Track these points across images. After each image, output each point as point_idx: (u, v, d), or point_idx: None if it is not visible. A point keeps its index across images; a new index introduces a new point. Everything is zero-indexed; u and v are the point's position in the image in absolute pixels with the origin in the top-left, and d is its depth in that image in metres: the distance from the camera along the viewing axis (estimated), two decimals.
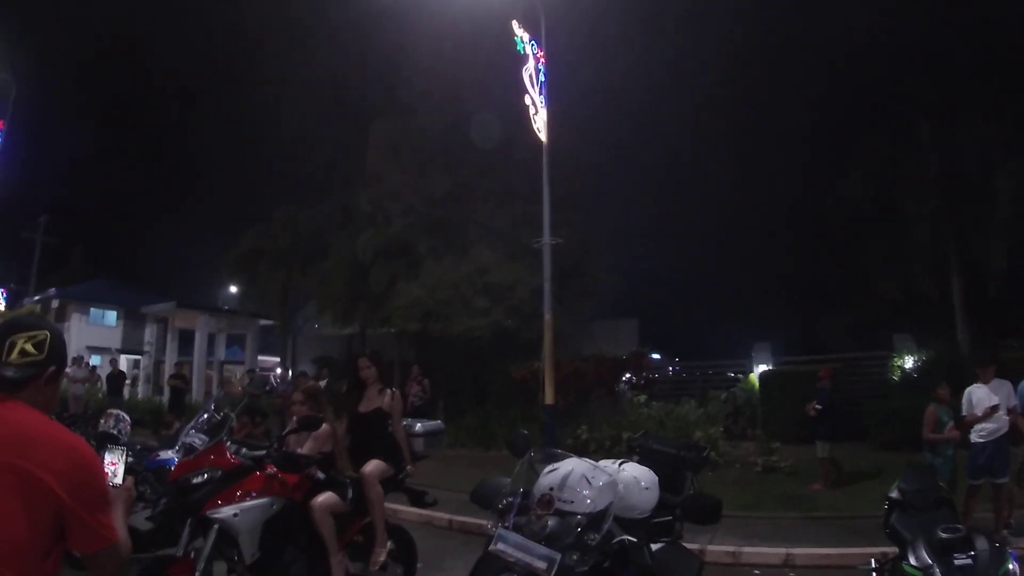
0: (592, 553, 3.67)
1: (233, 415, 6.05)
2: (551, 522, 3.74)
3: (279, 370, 28.24)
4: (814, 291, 25.44)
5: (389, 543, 6.09)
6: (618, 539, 3.85)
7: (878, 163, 20.43)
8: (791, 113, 23.13)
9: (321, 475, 5.69)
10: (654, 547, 4.06)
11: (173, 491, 5.28)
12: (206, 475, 5.22)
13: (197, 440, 5.71)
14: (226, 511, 5.11)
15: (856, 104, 21.28)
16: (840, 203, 21.52)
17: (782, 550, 8.42)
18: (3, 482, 2.03)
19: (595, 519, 3.81)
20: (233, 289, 33.38)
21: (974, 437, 8.53)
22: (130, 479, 6.40)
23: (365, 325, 23.74)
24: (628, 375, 18.86)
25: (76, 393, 19.94)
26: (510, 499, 4.02)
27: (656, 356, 24.42)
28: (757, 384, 19.34)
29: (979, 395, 8.63)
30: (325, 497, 5.58)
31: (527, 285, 18.02)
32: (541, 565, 3.51)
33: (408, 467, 6.41)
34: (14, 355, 2.26)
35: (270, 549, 5.35)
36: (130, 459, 7.37)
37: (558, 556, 3.53)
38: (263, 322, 29.93)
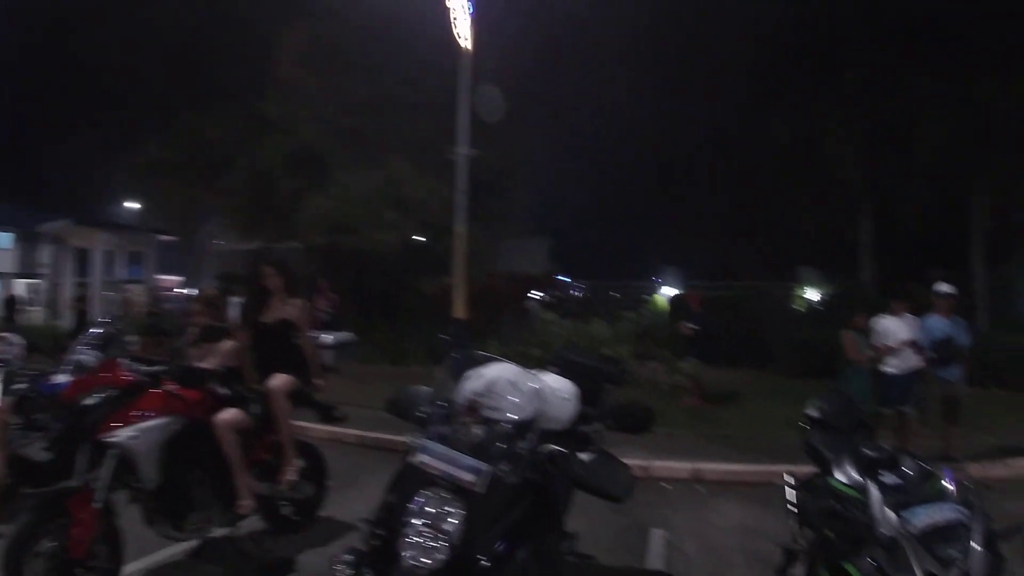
0: (523, 463, 3.35)
1: (127, 329, 5.59)
2: (478, 431, 3.41)
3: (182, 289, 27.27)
4: (729, 220, 25.90)
5: (298, 461, 5.76)
6: (546, 449, 3.54)
7: (805, 104, 20.76)
8: (724, 49, 23.08)
9: (224, 390, 5.32)
10: (584, 457, 3.82)
11: (65, 414, 4.85)
12: (99, 395, 4.79)
13: (89, 357, 5.27)
14: (123, 434, 4.71)
15: (787, 44, 21.30)
16: (764, 139, 22.00)
17: (690, 465, 8.57)
18: None
19: (523, 427, 3.49)
20: (133, 205, 31.77)
21: (888, 369, 8.79)
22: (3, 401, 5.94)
23: (271, 239, 22.86)
24: (539, 293, 18.82)
25: None
26: (431, 408, 3.64)
27: (567, 279, 24.51)
28: (666, 306, 19.61)
29: (888, 326, 8.95)
30: (229, 414, 5.19)
31: (441, 200, 17.54)
32: (469, 477, 3.16)
33: (317, 381, 6.03)
34: None
35: (172, 472, 4.95)
36: (22, 384, 6.90)
37: (487, 467, 3.18)
38: (164, 238, 28.65)
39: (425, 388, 3.94)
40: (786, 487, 5.00)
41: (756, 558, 5.83)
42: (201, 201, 24.30)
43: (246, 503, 5.27)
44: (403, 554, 3.04)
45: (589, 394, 4.42)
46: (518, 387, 3.61)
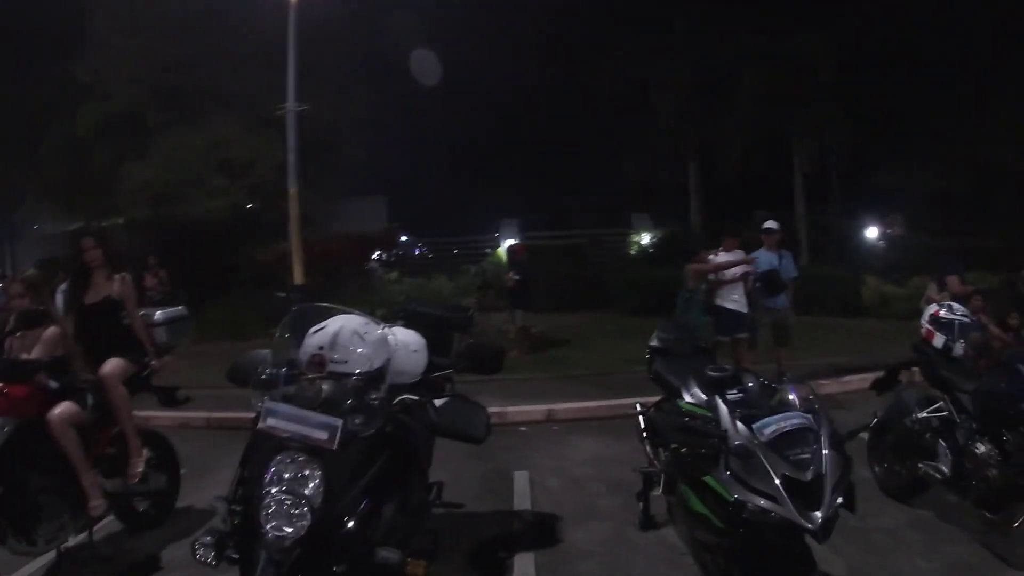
0: (376, 415, 3.29)
1: None
2: (325, 386, 3.30)
3: None
4: (562, 171, 26.48)
5: (145, 451, 5.37)
6: (399, 399, 3.49)
7: (635, 54, 21.32)
8: None
9: (54, 383, 4.86)
10: (437, 403, 3.77)
11: None
12: None
13: None
14: None
15: None
16: (595, 89, 22.44)
17: (544, 407, 8.79)
18: None
19: (373, 378, 3.43)
20: None
21: (723, 302, 9.20)
22: None
23: (90, 217, 21.27)
24: (378, 252, 18.56)
25: None
26: (273, 369, 3.50)
27: (404, 238, 24.28)
28: (505, 258, 19.81)
29: (719, 260, 9.35)
30: (62, 408, 4.74)
31: (270, 161, 16.83)
32: (322, 435, 3.06)
33: (152, 362, 5.60)
34: None
35: (11, 480, 4.52)
36: None
37: (339, 422, 3.09)
38: None
39: (264, 351, 3.78)
40: (639, 416, 5.20)
41: (616, 485, 6.05)
42: (10, 181, 22.28)
43: (97, 503, 4.88)
44: (266, 526, 2.95)
45: (437, 344, 4.42)
46: (364, 337, 3.52)
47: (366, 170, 21.41)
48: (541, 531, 5.40)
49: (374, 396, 3.35)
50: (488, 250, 22.65)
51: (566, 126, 24.27)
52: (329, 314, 3.72)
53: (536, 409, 8.73)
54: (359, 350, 3.45)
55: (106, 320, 5.41)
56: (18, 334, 5.12)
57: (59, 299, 5.79)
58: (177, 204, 17.53)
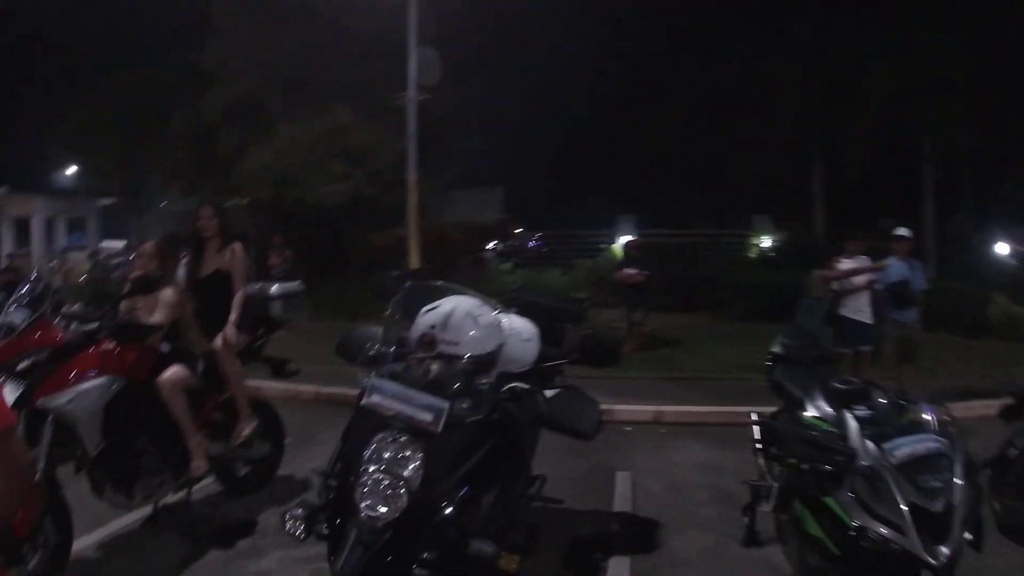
0: (484, 401, 3.15)
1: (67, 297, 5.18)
2: (434, 367, 3.19)
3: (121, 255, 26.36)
4: (682, 169, 25.91)
5: (253, 419, 5.45)
6: (508, 386, 3.33)
7: (756, 52, 20.62)
8: None
9: (166, 347, 4.96)
10: (548, 394, 3.62)
11: None
12: (31, 358, 4.40)
13: (17, 317, 4.86)
14: (59, 398, 4.33)
15: None
16: (715, 87, 21.85)
17: (651, 407, 8.53)
18: None
19: (484, 363, 3.30)
20: (70, 170, 30.56)
21: (848, 313, 8.79)
22: None
23: (214, 196, 22.19)
24: (494, 242, 18.57)
25: None
26: (382, 346, 3.43)
27: (519, 230, 24.27)
28: (621, 254, 19.52)
29: (848, 268, 8.93)
30: (172, 372, 4.83)
31: (389, 148, 17.10)
32: (426, 417, 2.94)
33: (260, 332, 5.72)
34: None
35: (116, 437, 4.61)
36: None
37: (446, 405, 2.96)
38: (105, 201, 27.57)
39: (372, 327, 3.70)
40: (753, 425, 4.91)
41: (721, 495, 5.80)
42: (140, 161, 23.48)
43: (199, 464, 4.96)
44: (360, 504, 2.85)
45: (549, 334, 4.23)
46: (477, 320, 3.39)
47: (483, 160, 21.49)
48: (639, 535, 5.20)
49: (483, 381, 3.23)
50: (603, 245, 22.40)
51: (687, 123, 23.73)
52: (443, 294, 3.62)
53: (643, 409, 8.50)
54: (471, 332, 3.34)
55: (219, 292, 5.51)
56: (132, 299, 5.22)
57: (180, 272, 5.92)
58: (297, 187, 18.01)
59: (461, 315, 3.36)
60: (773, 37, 20.52)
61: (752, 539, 4.82)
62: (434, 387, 3.07)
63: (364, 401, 3.12)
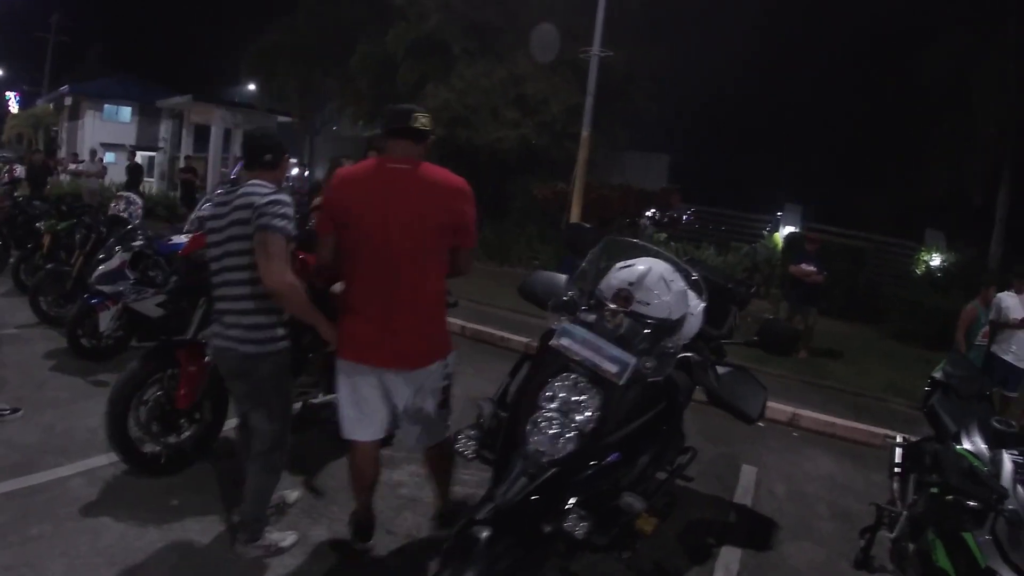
0: (667, 363, 3.14)
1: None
2: (625, 322, 3.21)
3: (296, 169, 27.70)
4: (857, 166, 24.48)
5: None
6: (684, 355, 3.34)
7: (957, 55, 18.80)
8: None
9: None
10: (719, 370, 3.61)
11: (184, 268, 4.87)
12: None
13: (209, 212, 5.26)
14: None
15: None
16: (908, 87, 20.34)
17: (789, 409, 8.29)
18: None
19: (670, 327, 3.30)
20: (252, 87, 32.22)
21: (996, 349, 8.39)
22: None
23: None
24: (653, 210, 18.30)
25: (91, 188, 19.65)
26: (576, 293, 3.47)
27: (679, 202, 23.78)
28: (780, 244, 18.85)
29: (1010, 303, 8.45)
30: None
31: (562, 101, 17.14)
32: (612, 368, 2.99)
33: None
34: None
35: (290, 334, 5.00)
36: (139, 242, 7.11)
37: (633, 360, 3.01)
38: (281, 119, 28.95)
39: (559, 275, 3.79)
40: (895, 447, 4.75)
41: (841, 512, 5.67)
42: (321, 86, 24.42)
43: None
44: (530, 438, 2.96)
45: (712, 314, 4.16)
46: (669, 285, 3.39)
47: (654, 125, 21.15)
48: (754, 531, 5.17)
49: (668, 345, 3.21)
50: (766, 231, 21.71)
51: (876, 119, 22.42)
52: (639, 253, 3.64)
53: (781, 409, 8.22)
54: (663, 296, 3.34)
55: None
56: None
57: None
58: (470, 128, 18.30)
59: (655, 277, 3.36)
60: (984, 38, 18.73)
61: (864, 563, 4.65)
62: (623, 341, 3.12)
63: (553, 342, 3.18)
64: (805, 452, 7.28)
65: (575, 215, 12.94)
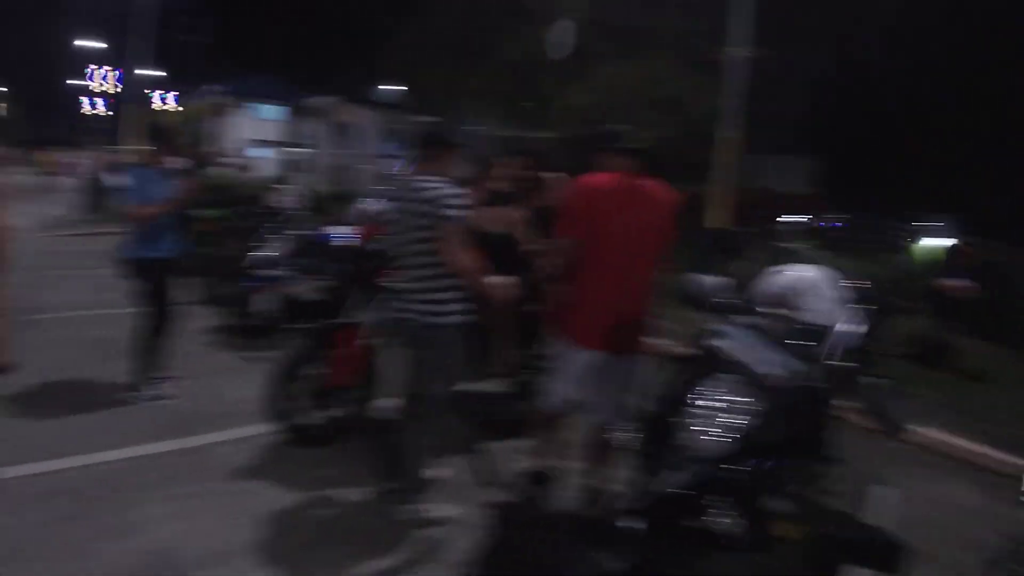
0: (822, 368, 3.15)
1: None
2: (783, 326, 3.26)
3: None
4: (1014, 177, 23.00)
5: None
6: (839, 363, 3.32)
7: None
8: None
9: (505, 256, 5.40)
10: (867, 379, 3.57)
11: (347, 257, 5.20)
12: (382, 243, 5.10)
13: (374, 207, 5.59)
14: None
15: None
16: None
17: (936, 433, 7.79)
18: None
19: (824, 335, 3.29)
20: (394, 87, 33.22)
21: None
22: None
23: (526, 128, 23.17)
24: (794, 216, 17.81)
25: (238, 178, 20.82)
26: (734, 297, 3.51)
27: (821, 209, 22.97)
28: (927, 254, 17.98)
29: None
30: (511, 280, 5.31)
31: (701, 103, 16.87)
32: (768, 371, 3.03)
33: None
34: None
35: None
36: (298, 232, 7.68)
37: (789, 364, 3.05)
38: (421, 119, 29.82)
39: (706, 276, 3.83)
40: None
41: (975, 543, 5.36)
42: (460, 85, 24.90)
43: (502, 364, 5.48)
44: (683, 434, 3.01)
45: (863, 322, 4.07)
46: (826, 292, 3.40)
47: (796, 128, 20.50)
48: (883, 553, 4.90)
49: (823, 351, 3.23)
50: (911, 240, 20.71)
51: None
52: (796, 258, 3.66)
53: (927, 432, 7.78)
54: (820, 303, 3.37)
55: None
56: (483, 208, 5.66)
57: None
58: None
59: (811, 283, 3.38)
60: None
61: None
62: (778, 345, 3.15)
63: (711, 343, 3.24)
64: (943, 477, 6.93)
65: (715, 220, 12.63)
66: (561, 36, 18.53)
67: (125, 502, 4.23)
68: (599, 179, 4.14)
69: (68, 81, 61.79)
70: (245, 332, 7.88)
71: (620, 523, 2.85)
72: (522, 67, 20.28)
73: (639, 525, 2.82)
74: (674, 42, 17.62)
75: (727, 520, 2.83)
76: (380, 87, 37.18)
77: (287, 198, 9.09)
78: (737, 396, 3.02)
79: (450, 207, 3.92)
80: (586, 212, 4.05)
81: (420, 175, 4.05)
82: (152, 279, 5.79)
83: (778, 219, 17.55)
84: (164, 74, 46.75)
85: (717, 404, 3.02)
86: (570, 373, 4.17)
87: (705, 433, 2.97)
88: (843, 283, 3.61)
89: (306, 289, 7.19)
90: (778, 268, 3.48)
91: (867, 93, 25.03)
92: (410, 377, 4.25)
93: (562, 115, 19.06)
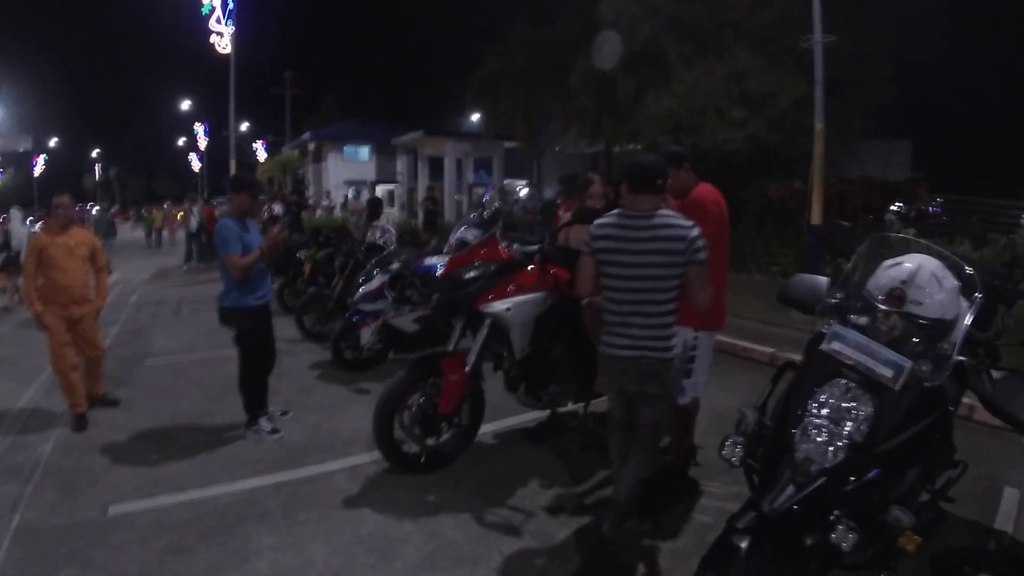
0: (945, 367, 2.93)
1: (504, 209, 5.88)
2: (899, 323, 3.07)
3: (527, 189, 28.42)
4: None
5: None
6: (958, 359, 3.08)
7: None
8: None
9: None
10: (995, 374, 3.35)
11: (445, 286, 5.29)
12: (478, 270, 5.17)
13: (469, 235, 5.69)
14: (498, 306, 5.07)
15: None
16: None
17: None
18: None
19: (945, 328, 3.06)
20: (476, 117, 33.73)
21: None
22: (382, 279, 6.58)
23: (612, 141, 23.03)
24: (898, 204, 17.05)
25: (357, 223, 21.47)
26: (844, 296, 3.37)
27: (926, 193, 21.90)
28: None
29: None
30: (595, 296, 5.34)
31: (789, 94, 16.31)
32: (887, 372, 2.88)
33: None
34: None
35: (539, 345, 5.30)
36: (395, 265, 8.07)
37: (909, 363, 2.87)
38: (508, 144, 30.11)
39: (820, 278, 3.68)
40: None
41: None
42: (541, 107, 25.01)
43: (602, 381, 5.36)
44: (799, 447, 2.90)
45: (981, 312, 3.88)
46: (942, 283, 3.16)
47: (892, 111, 19.63)
48: (1015, 561, 4.64)
49: (948, 345, 3.01)
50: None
51: None
52: (907, 249, 3.43)
53: None
54: (936, 295, 3.13)
55: None
56: (571, 227, 5.63)
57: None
58: (694, 133, 17.94)
59: (927, 275, 3.15)
60: None
61: None
62: (897, 344, 3.00)
63: (824, 347, 3.11)
64: None
65: (816, 215, 12.15)
66: (606, 45, 18.30)
67: (243, 532, 4.40)
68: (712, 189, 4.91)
69: (176, 141, 66.11)
70: (353, 365, 8.17)
71: (729, 541, 2.76)
72: (600, 81, 20.10)
73: (748, 543, 2.72)
74: (754, 35, 17.10)
75: (851, 535, 2.66)
76: (464, 117, 37.86)
77: (385, 233, 9.49)
78: (855, 402, 2.89)
79: (701, 249, 3.84)
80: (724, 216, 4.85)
81: (639, 211, 3.94)
82: (249, 324, 6.01)
83: (889, 207, 16.79)
84: (260, 126, 49.29)
85: (834, 412, 2.90)
86: (707, 360, 4.77)
87: (824, 444, 2.85)
88: (965, 270, 3.35)
89: (410, 320, 7.42)
90: (891, 261, 3.28)
91: (966, 64, 23.81)
92: (622, 409, 4.22)
93: (649, 124, 18.81)
